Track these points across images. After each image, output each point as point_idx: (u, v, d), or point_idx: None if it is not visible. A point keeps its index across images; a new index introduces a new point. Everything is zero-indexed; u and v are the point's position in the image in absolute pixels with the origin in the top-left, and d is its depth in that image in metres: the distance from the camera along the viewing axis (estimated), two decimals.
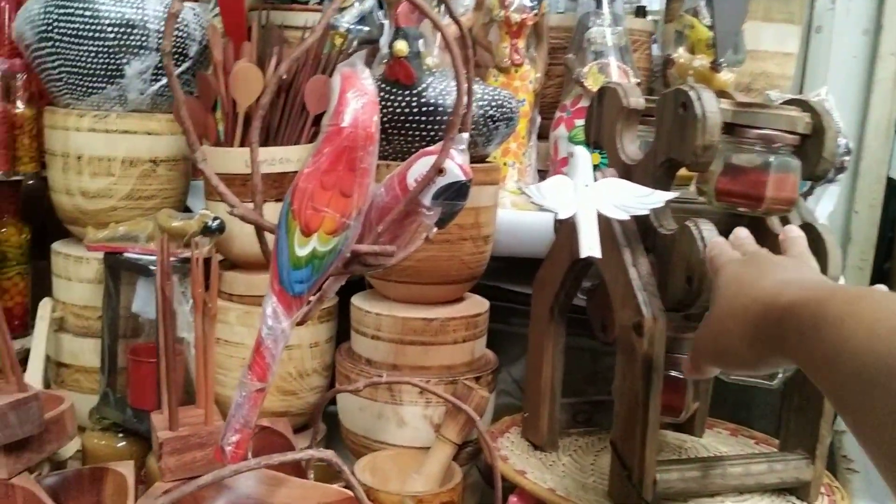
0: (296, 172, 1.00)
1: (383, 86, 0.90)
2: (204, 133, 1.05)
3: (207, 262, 0.84)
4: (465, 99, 0.55)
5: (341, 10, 1.16)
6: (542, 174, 1.20)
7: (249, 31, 1.08)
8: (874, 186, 1.53)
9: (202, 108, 1.04)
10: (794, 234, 0.73)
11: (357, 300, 1.02)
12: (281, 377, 1.02)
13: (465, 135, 0.56)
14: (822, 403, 0.85)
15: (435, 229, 0.63)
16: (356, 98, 0.53)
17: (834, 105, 1.10)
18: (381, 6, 1.20)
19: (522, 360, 1.20)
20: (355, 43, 1.14)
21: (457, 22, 0.60)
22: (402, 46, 0.85)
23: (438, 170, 0.55)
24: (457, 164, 0.56)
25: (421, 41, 0.88)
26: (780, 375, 0.81)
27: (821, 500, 0.87)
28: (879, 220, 1.56)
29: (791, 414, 0.89)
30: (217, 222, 0.97)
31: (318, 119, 1.05)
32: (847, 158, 1.22)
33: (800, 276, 0.61)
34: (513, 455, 0.92)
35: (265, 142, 1.00)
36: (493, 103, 0.94)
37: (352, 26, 1.15)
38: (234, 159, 0.98)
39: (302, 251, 0.54)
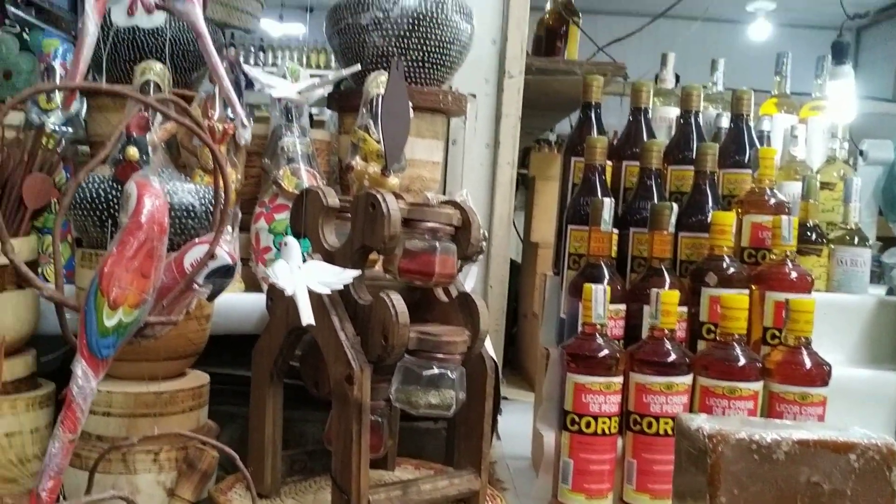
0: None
1: (115, 185, 1.02)
2: None
3: None
4: (230, 198, 0.71)
5: (47, 111, 1.24)
6: (244, 262, 1.36)
7: None
8: (502, 266, 1.94)
9: None
10: None
11: None
12: (0, 465, 1.03)
13: (230, 227, 0.72)
14: (482, 428, 1.12)
15: (195, 303, 0.77)
16: (151, 200, 0.66)
17: (472, 203, 1.43)
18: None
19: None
20: (63, 142, 1.22)
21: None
22: (133, 152, 0.98)
23: (211, 255, 0.71)
24: (225, 251, 0.72)
25: (150, 148, 1.01)
26: (453, 408, 1.05)
27: None
28: (507, 293, 1.96)
29: (461, 440, 1.14)
30: None
31: (36, 213, 1.11)
32: (483, 244, 1.56)
33: None
34: None
35: None
36: (211, 200, 1.09)
37: (58, 127, 1.24)
38: None
39: (109, 322, 0.65)
